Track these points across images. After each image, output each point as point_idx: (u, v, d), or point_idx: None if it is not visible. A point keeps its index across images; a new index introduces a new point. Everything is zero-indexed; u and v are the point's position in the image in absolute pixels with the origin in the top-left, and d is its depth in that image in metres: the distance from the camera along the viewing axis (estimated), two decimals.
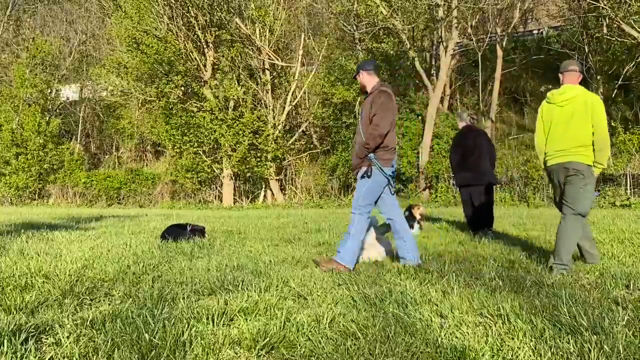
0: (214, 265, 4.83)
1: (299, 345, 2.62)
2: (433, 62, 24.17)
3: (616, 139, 16.72)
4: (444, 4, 19.17)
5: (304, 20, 26.45)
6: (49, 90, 28.47)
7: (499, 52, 23.35)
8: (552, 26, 28.87)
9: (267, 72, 21.92)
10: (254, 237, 7.59)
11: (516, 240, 6.37)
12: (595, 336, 2.58)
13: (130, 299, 3.47)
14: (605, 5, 17.56)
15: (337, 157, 22.51)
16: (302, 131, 23.72)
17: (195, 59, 21.47)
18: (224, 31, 21.51)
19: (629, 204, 14.03)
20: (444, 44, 20.16)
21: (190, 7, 20.93)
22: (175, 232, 7.14)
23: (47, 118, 27.62)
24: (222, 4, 21.32)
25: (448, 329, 2.82)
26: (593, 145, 4.53)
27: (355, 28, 23.53)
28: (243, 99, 21.87)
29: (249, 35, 21.07)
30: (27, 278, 4.10)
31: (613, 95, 21.87)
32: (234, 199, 22.87)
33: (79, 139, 30.91)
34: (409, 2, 19.69)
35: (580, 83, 4.82)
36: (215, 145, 22.17)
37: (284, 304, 3.35)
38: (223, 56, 21.91)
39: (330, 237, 7.24)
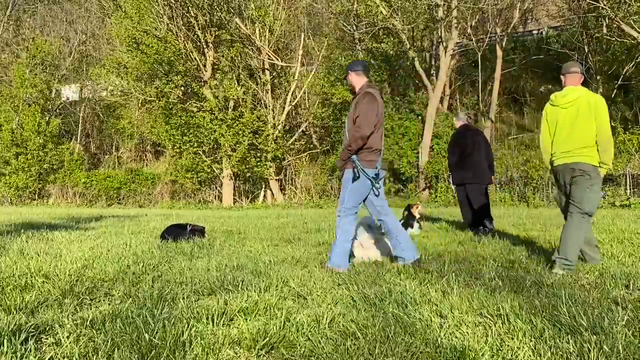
0: (213, 265, 4.83)
1: (299, 345, 2.62)
2: (433, 62, 24.18)
3: (616, 139, 16.71)
4: (444, 4, 19.18)
5: (304, 20, 26.45)
6: (49, 91, 28.46)
7: (499, 52, 23.36)
8: (552, 26, 28.89)
9: (267, 72, 21.92)
10: (254, 237, 7.59)
11: (516, 240, 6.37)
12: (594, 336, 2.59)
13: (130, 299, 3.48)
14: (605, 5, 17.57)
15: (337, 157, 22.47)
16: (302, 131, 23.72)
17: (195, 59, 21.47)
18: (224, 31, 21.51)
19: (629, 204, 14.04)
20: (444, 44, 20.17)
21: (190, 7, 20.93)
22: (175, 232, 7.14)
23: (47, 118, 27.63)
24: (222, 4, 21.31)
25: (448, 329, 2.82)
26: (597, 145, 4.59)
27: (355, 28, 23.54)
28: (243, 99, 21.87)
29: (249, 35, 21.07)
30: (27, 278, 4.10)
31: (613, 96, 21.88)
32: (233, 199, 22.87)
33: (78, 139, 30.91)
34: (408, 2, 19.70)
35: (580, 84, 4.88)
36: (215, 145, 22.17)
37: (284, 304, 3.35)
38: (223, 56, 21.91)
39: (330, 237, 7.24)
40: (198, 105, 22.00)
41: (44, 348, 2.59)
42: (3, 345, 2.49)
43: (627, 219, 9.29)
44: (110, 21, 26.55)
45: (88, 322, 2.92)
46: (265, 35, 21.17)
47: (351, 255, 5.39)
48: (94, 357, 2.44)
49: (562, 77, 4.94)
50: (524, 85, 26.77)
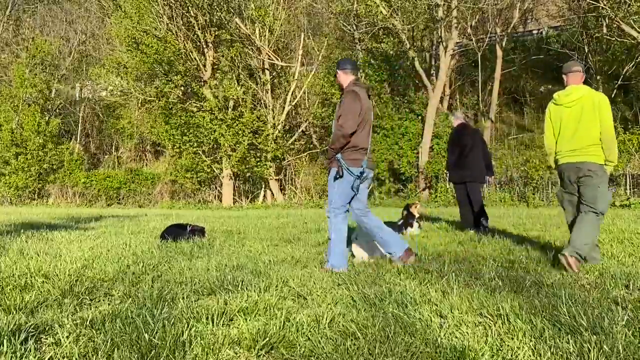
0: (213, 265, 4.83)
1: (299, 345, 2.62)
2: (433, 62, 24.17)
3: (616, 138, 16.70)
4: (444, 4, 19.18)
5: (304, 20, 26.45)
6: (49, 91, 28.46)
7: (499, 52, 23.36)
8: (552, 26, 28.90)
9: (267, 72, 21.91)
10: (254, 237, 7.59)
11: (516, 240, 6.37)
12: (594, 336, 2.58)
13: (130, 299, 3.48)
14: (605, 5, 17.57)
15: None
16: (302, 131, 23.72)
17: (195, 58, 21.47)
18: (224, 31, 21.50)
19: (629, 204, 14.04)
20: (444, 44, 20.17)
21: (189, 7, 20.92)
22: (174, 232, 7.14)
23: (47, 118, 27.61)
24: (221, 3, 21.31)
25: (448, 328, 2.82)
26: (601, 143, 4.66)
27: (355, 28, 23.54)
28: (243, 98, 21.87)
29: (249, 35, 21.07)
30: (26, 278, 4.10)
31: (613, 96, 21.88)
32: (233, 199, 22.86)
33: (78, 139, 30.89)
34: (408, 2, 19.71)
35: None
36: (215, 145, 22.16)
37: (284, 303, 3.35)
38: (223, 56, 21.90)
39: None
40: (198, 105, 21.99)
41: (43, 348, 2.59)
42: (3, 345, 2.49)
43: (627, 219, 9.29)
44: (110, 21, 26.54)
45: (88, 322, 2.92)
46: (265, 35, 21.16)
47: (351, 255, 5.39)
48: (94, 357, 2.44)
49: (564, 76, 4.98)
50: (524, 85, 26.77)
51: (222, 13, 21.29)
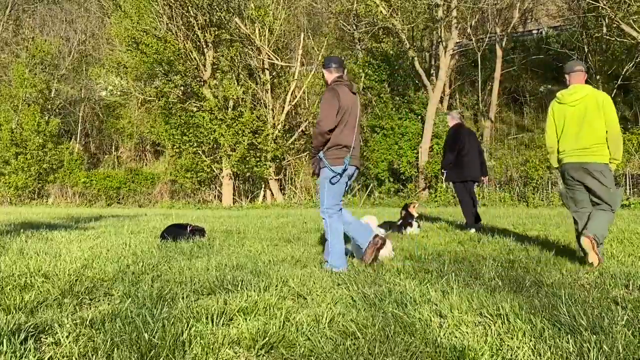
0: (213, 265, 4.83)
1: (299, 344, 2.62)
2: (432, 62, 24.18)
3: None
4: (444, 4, 19.18)
5: (304, 20, 26.45)
6: (48, 91, 28.46)
7: (499, 52, 23.36)
8: (552, 26, 28.89)
9: (267, 72, 21.91)
10: (254, 237, 7.59)
11: (516, 240, 6.37)
12: (594, 336, 2.58)
13: (130, 299, 3.47)
14: (604, 5, 17.57)
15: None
16: (302, 131, 23.71)
17: (195, 58, 21.46)
18: (224, 31, 21.50)
19: (628, 204, 14.04)
20: (444, 43, 20.17)
21: (189, 7, 20.91)
22: (174, 231, 7.14)
23: (47, 118, 27.61)
24: (221, 3, 21.31)
25: (447, 328, 2.82)
26: (607, 142, 4.74)
27: (354, 28, 23.55)
28: (242, 98, 21.86)
29: (249, 34, 21.07)
30: (26, 278, 4.10)
31: (612, 95, 21.86)
32: (233, 198, 22.86)
33: (78, 139, 30.89)
34: (408, 2, 19.72)
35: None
36: (215, 145, 22.15)
37: (284, 303, 3.35)
38: (222, 56, 21.90)
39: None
40: (197, 104, 21.99)
41: (43, 348, 2.59)
42: (2, 345, 2.49)
43: (626, 219, 9.29)
44: (109, 21, 26.55)
45: (87, 322, 2.92)
46: (265, 35, 21.16)
47: (351, 255, 5.39)
48: (94, 356, 2.44)
49: (566, 75, 5.03)
50: (523, 85, 26.77)
51: (221, 13, 21.28)
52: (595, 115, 4.72)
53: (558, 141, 5.00)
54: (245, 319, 3.00)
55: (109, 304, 3.40)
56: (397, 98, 22.13)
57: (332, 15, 25.08)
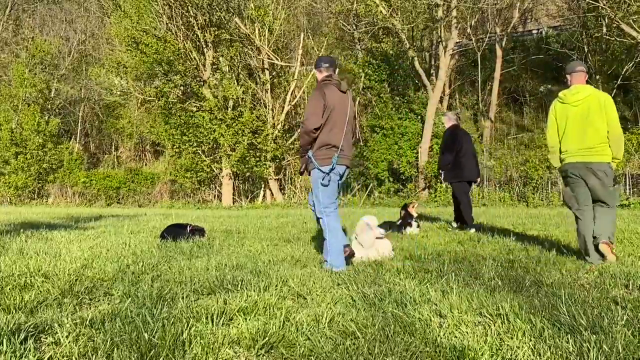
0: (213, 264, 4.83)
1: (298, 344, 2.62)
2: (432, 62, 24.18)
3: None
4: (444, 4, 19.18)
5: (304, 20, 26.44)
6: (48, 91, 28.46)
7: (499, 52, 23.36)
8: (552, 26, 28.90)
9: (267, 72, 21.90)
10: (253, 237, 7.59)
11: (515, 240, 6.37)
12: (594, 336, 2.59)
13: (130, 299, 3.47)
14: (604, 5, 17.57)
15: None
16: None
17: (195, 58, 21.46)
18: (223, 31, 21.49)
19: (628, 203, 14.05)
20: (444, 43, 20.17)
21: (189, 7, 20.90)
22: (174, 231, 7.14)
23: (47, 117, 27.61)
24: (221, 3, 21.30)
25: (447, 328, 2.82)
26: (608, 141, 4.84)
27: (354, 27, 23.54)
28: (242, 98, 21.85)
29: (249, 34, 21.06)
30: (26, 277, 4.10)
31: (612, 95, 21.85)
32: (233, 198, 22.85)
33: (78, 139, 30.89)
34: (408, 2, 19.71)
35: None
36: (215, 145, 22.15)
37: (283, 303, 3.35)
38: (222, 56, 21.89)
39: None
40: (197, 104, 21.98)
41: (43, 347, 2.59)
42: (2, 345, 2.49)
43: (626, 219, 9.29)
44: (109, 21, 26.54)
45: (87, 322, 2.92)
46: (265, 35, 21.15)
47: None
48: (93, 356, 2.44)
49: (567, 76, 5.07)
50: (523, 85, 26.77)
51: (221, 13, 21.28)
52: (598, 116, 4.78)
53: (560, 141, 5.03)
54: (245, 319, 3.00)
55: (108, 304, 3.40)
56: (397, 98, 22.13)
57: (332, 15, 25.08)
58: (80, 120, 31.03)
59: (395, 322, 2.91)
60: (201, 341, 2.62)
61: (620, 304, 3.23)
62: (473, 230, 7.77)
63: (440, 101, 22.43)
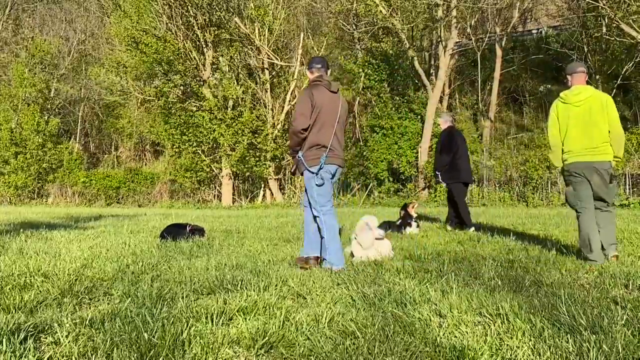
0: (213, 264, 4.83)
1: (298, 344, 2.62)
2: (432, 62, 24.18)
3: None
4: (443, 4, 19.18)
5: (303, 20, 26.43)
6: (48, 90, 28.46)
7: (498, 52, 23.36)
8: (551, 26, 28.91)
9: (266, 72, 21.90)
10: (253, 237, 7.59)
11: (515, 240, 6.37)
12: (594, 335, 2.58)
13: (129, 298, 3.47)
14: (604, 5, 17.57)
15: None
16: None
17: (194, 58, 21.45)
18: (223, 30, 21.49)
19: (628, 203, 14.05)
20: (443, 43, 20.17)
21: (189, 7, 20.90)
22: (174, 231, 7.14)
23: (46, 117, 27.60)
24: (221, 3, 21.29)
25: (447, 328, 2.82)
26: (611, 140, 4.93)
27: (354, 27, 23.53)
28: (242, 98, 21.85)
29: (248, 34, 21.06)
30: (26, 277, 4.10)
31: (612, 95, 21.86)
32: (233, 198, 22.86)
33: (78, 139, 30.88)
34: (408, 2, 19.71)
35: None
36: (214, 145, 22.15)
37: (283, 303, 3.35)
38: (222, 55, 21.89)
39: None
40: (197, 104, 21.98)
41: (42, 347, 2.59)
42: (2, 344, 2.49)
43: (626, 219, 9.30)
44: (109, 20, 26.53)
45: (87, 322, 2.91)
46: (265, 35, 21.15)
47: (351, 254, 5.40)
48: (93, 356, 2.44)
49: (568, 76, 5.14)
50: (523, 85, 26.78)
51: (221, 12, 21.27)
52: (600, 116, 4.87)
53: (562, 140, 5.09)
54: (245, 319, 3.00)
55: (108, 304, 3.40)
56: (397, 98, 22.13)
57: (331, 15, 25.06)
58: (80, 120, 31.03)
59: (395, 322, 2.91)
60: (201, 341, 2.62)
61: (620, 304, 3.23)
62: (472, 229, 7.79)
63: (440, 101, 22.43)
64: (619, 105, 21.61)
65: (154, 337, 2.63)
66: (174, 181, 24.75)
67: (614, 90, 21.82)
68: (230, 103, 22.03)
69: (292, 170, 4.94)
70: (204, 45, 21.91)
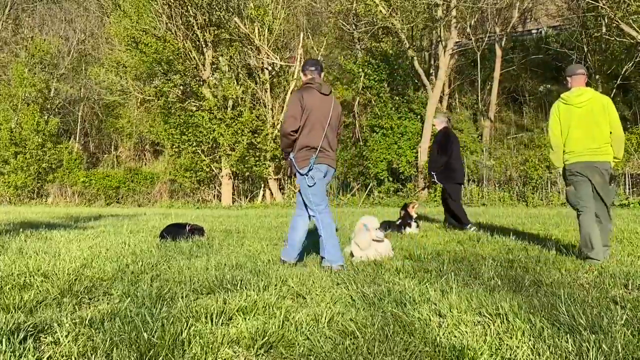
0: (212, 264, 4.83)
1: (298, 344, 2.62)
2: (432, 62, 24.18)
3: None
4: (443, 4, 19.18)
5: (303, 20, 26.44)
6: (48, 90, 28.45)
7: (498, 52, 23.36)
8: (551, 26, 28.91)
9: (266, 72, 21.90)
10: (253, 237, 7.59)
11: (515, 240, 6.37)
12: (593, 335, 2.59)
13: (129, 298, 3.47)
14: (604, 4, 17.57)
15: (336, 157, 22.48)
16: None
17: (194, 58, 21.45)
18: (223, 30, 21.48)
19: (628, 203, 14.06)
20: (443, 43, 20.17)
21: (189, 7, 20.89)
22: (173, 231, 7.14)
23: (46, 117, 27.59)
24: (220, 3, 21.29)
25: (447, 327, 2.82)
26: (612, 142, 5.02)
27: (354, 27, 23.53)
28: (242, 98, 21.84)
29: (248, 34, 21.05)
30: (25, 277, 4.10)
31: (612, 95, 21.88)
32: (232, 198, 22.85)
33: (77, 138, 30.87)
34: (408, 2, 19.70)
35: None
36: (214, 145, 22.14)
37: (283, 303, 3.35)
38: (222, 55, 21.89)
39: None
40: (197, 104, 21.97)
41: (42, 347, 2.59)
42: (2, 344, 2.49)
43: (626, 219, 9.30)
44: (109, 20, 26.52)
45: (87, 321, 2.91)
46: (265, 35, 21.14)
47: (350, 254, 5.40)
48: (93, 356, 2.44)
49: (568, 78, 5.22)
50: (523, 85, 26.78)
51: (221, 12, 21.27)
52: (601, 118, 4.95)
53: (565, 141, 5.14)
54: (245, 319, 3.00)
55: (108, 304, 3.40)
56: (397, 98, 22.12)
57: (331, 15, 25.04)
58: (79, 120, 31.02)
59: (395, 321, 2.91)
60: (200, 341, 2.62)
61: (619, 304, 3.23)
62: (473, 228, 7.81)
63: (440, 101, 22.43)
64: (618, 105, 21.62)
65: (153, 336, 2.63)
66: (173, 181, 24.74)
67: (614, 90, 21.83)
68: (230, 103, 22.02)
69: (288, 174, 5.00)
70: (203, 45, 21.90)
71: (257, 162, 21.46)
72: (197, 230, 7.33)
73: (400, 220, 8.13)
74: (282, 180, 23.37)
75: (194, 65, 21.67)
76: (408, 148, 20.32)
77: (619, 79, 21.66)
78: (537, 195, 16.64)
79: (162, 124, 23.14)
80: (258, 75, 22.11)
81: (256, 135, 21.49)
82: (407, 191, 19.87)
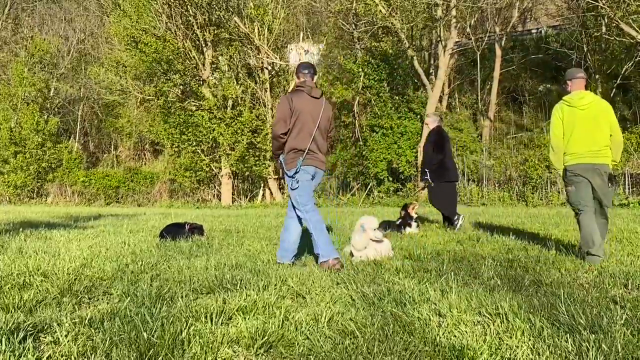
0: (212, 264, 4.83)
1: (298, 344, 2.62)
2: (432, 61, 24.16)
3: None
4: (443, 3, 19.18)
5: (303, 19, 26.44)
6: (47, 90, 28.44)
7: (498, 52, 23.34)
8: (551, 25, 28.90)
9: (266, 71, 21.90)
10: (253, 236, 7.59)
11: (515, 240, 6.37)
12: (593, 335, 2.59)
13: (129, 298, 3.47)
14: (604, 4, 17.57)
15: (336, 157, 22.51)
16: None
17: (194, 57, 21.45)
18: (223, 30, 21.49)
19: (627, 203, 14.06)
20: (443, 43, 20.17)
21: (188, 6, 20.90)
22: (173, 231, 7.14)
23: (46, 117, 27.59)
24: (220, 2, 21.29)
25: (446, 327, 2.82)
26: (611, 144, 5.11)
27: (354, 27, 23.51)
28: (241, 97, 21.85)
29: (248, 34, 21.05)
30: (25, 277, 4.10)
31: (612, 95, 21.90)
32: (232, 198, 22.86)
33: (77, 138, 30.86)
34: (408, 1, 19.70)
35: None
36: (214, 144, 22.15)
37: (283, 302, 3.35)
38: (221, 55, 21.88)
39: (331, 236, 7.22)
40: (197, 104, 21.98)
41: (42, 347, 2.59)
42: (1, 344, 2.49)
43: (625, 219, 9.30)
44: (108, 20, 26.53)
45: (86, 321, 2.91)
46: (264, 34, 21.14)
47: (350, 254, 5.39)
48: (92, 355, 2.44)
49: (568, 81, 5.27)
50: (522, 85, 26.77)
51: (221, 12, 21.27)
52: (602, 121, 5.04)
53: (567, 142, 5.17)
54: (244, 318, 3.00)
55: (108, 303, 3.40)
56: (396, 97, 22.12)
57: (331, 15, 25.02)
58: (79, 120, 31.01)
59: (395, 321, 2.91)
60: (200, 340, 2.62)
61: (619, 304, 3.23)
62: (461, 220, 8.02)
63: (440, 100, 22.42)
64: (618, 105, 21.65)
65: (153, 336, 2.63)
66: (173, 181, 24.74)
67: (614, 90, 21.83)
68: (230, 102, 22.03)
69: (280, 175, 5.09)
70: (203, 45, 21.90)
71: (257, 162, 21.46)
72: (197, 229, 7.33)
73: (400, 220, 8.14)
74: (282, 180, 23.36)
75: (194, 65, 21.67)
76: (408, 148, 20.31)
77: (619, 79, 21.65)
78: (536, 195, 16.64)
79: (161, 123, 23.15)
80: (258, 74, 22.11)
81: (256, 134, 21.49)
82: (407, 191, 19.87)
